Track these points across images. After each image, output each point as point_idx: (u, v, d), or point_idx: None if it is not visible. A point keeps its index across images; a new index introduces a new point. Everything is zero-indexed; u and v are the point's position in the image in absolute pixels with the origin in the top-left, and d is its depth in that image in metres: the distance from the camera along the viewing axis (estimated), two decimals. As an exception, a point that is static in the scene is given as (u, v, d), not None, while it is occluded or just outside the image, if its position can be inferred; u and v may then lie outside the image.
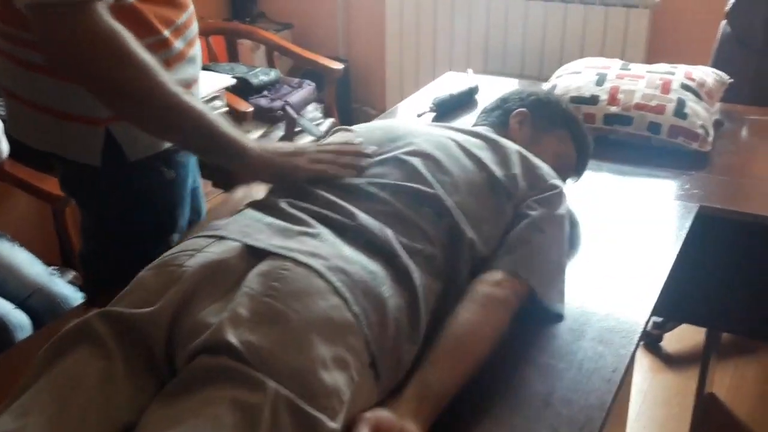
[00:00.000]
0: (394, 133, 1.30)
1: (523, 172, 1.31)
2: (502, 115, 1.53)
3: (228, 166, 1.29)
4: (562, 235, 1.30)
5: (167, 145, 1.34)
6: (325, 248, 1.01)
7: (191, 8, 1.35)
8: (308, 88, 3.20)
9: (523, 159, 1.33)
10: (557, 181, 1.34)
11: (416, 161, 1.22)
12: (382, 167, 1.21)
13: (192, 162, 1.49)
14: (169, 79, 1.14)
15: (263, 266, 0.96)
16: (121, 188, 1.36)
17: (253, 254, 0.99)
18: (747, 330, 1.93)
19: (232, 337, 0.85)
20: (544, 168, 1.35)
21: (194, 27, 1.37)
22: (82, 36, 1.07)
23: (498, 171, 1.27)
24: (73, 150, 1.32)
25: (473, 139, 1.33)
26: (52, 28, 1.08)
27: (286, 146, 1.26)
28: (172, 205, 1.42)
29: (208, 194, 3.54)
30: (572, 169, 1.55)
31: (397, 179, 1.18)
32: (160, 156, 1.34)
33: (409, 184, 1.17)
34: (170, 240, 1.43)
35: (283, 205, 1.11)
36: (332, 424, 0.85)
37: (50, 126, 1.30)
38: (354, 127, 1.39)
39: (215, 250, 0.99)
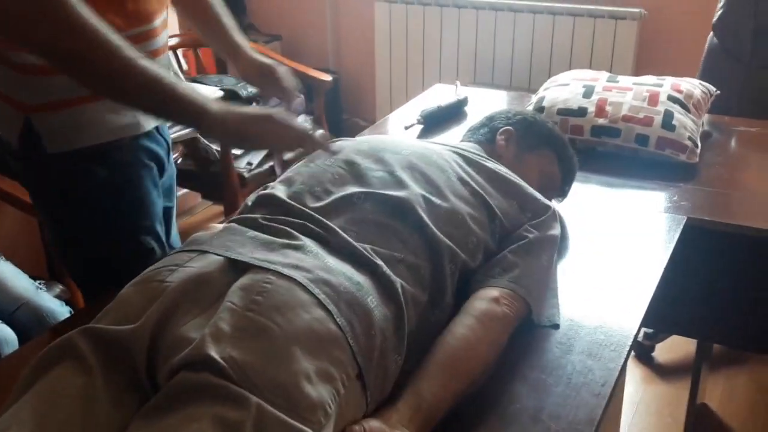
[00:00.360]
0: (381, 146, 1.31)
1: (512, 192, 1.33)
2: (488, 133, 1.54)
3: (193, 129, 1.26)
4: (554, 254, 1.33)
5: (91, 141, 1.31)
6: (309, 260, 1.00)
7: (152, 25, 1.33)
8: (298, 100, 3.19)
9: (513, 180, 1.36)
10: (547, 202, 1.37)
11: (402, 173, 1.22)
12: (367, 178, 1.21)
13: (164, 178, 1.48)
14: (124, 44, 1.10)
15: (245, 280, 0.95)
16: (51, 184, 1.36)
17: (236, 268, 0.98)
18: (737, 341, 1.93)
19: (214, 353, 0.84)
20: (529, 188, 1.37)
21: (154, 43, 1.33)
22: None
23: (484, 190, 1.29)
24: (3, 126, 1.33)
25: (461, 155, 1.35)
26: None
27: (253, 112, 1.22)
28: (122, 207, 1.39)
29: (197, 207, 3.54)
30: (557, 188, 1.57)
31: (381, 190, 1.18)
32: (86, 154, 1.31)
33: (392, 194, 1.17)
34: (142, 240, 1.41)
35: (263, 219, 1.11)
36: None
37: None
38: (343, 140, 1.39)
39: (197, 265, 0.99)
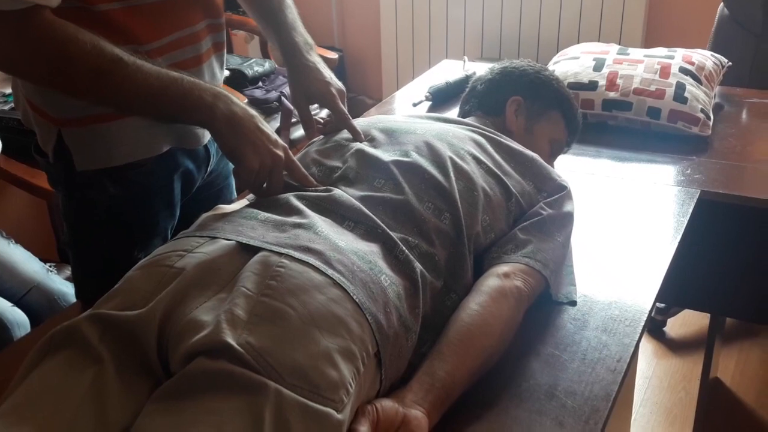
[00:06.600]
0: (395, 128, 1.29)
1: (529, 171, 1.32)
2: (496, 103, 1.50)
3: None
4: (570, 232, 1.31)
5: (119, 161, 1.29)
6: (320, 240, 0.99)
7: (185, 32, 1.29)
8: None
9: (530, 158, 1.34)
10: (564, 182, 1.34)
11: (417, 157, 1.20)
12: (382, 159, 1.19)
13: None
14: (128, 59, 1.07)
15: (257, 264, 0.94)
16: (72, 196, 1.35)
17: (247, 251, 0.97)
18: (751, 314, 1.91)
19: (231, 339, 0.83)
20: (548, 168, 1.35)
21: (186, 51, 1.29)
22: (27, 44, 1.02)
23: (500, 169, 1.27)
24: (39, 135, 1.32)
25: (477, 134, 1.33)
26: None
27: (260, 134, 1.15)
28: (124, 224, 1.37)
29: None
30: (563, 146, 1.55)
31: (400, 173, 1.16)
32: (107, 171, 1.30)
33: (407, 179, 1.16)
34: (134, 257, 1.36)
35: (286, 198, 1.09)
36: (339, 416, 0.84)
37: (27, 108, 1.31)
38: (356, 120, 1.37)
39: (206, 251, 0.97)
